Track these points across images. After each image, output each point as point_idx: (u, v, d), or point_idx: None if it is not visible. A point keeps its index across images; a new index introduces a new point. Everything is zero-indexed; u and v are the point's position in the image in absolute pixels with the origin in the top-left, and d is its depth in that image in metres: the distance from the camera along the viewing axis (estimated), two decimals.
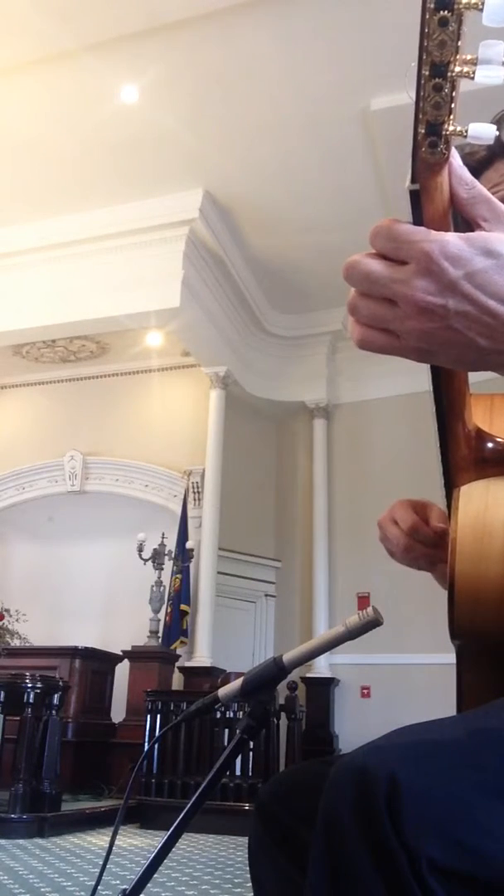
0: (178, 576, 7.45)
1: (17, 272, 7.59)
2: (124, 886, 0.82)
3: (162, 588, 7.58)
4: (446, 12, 0.48)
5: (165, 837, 0.82)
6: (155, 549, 7.68)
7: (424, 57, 0.50)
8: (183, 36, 5.48)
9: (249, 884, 0.91)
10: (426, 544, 0.89)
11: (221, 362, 8.24)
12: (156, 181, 6.92)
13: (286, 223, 7.34)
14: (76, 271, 7.42)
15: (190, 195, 7.04)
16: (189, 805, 0.84)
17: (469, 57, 0.50)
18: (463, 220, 0.58)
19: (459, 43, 0.49)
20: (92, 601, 8.40)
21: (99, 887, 0.99)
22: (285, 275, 8.12)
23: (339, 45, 5.45)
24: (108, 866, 1.00)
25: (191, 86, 5.91)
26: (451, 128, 0.52)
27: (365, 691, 7.85)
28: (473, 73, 0.50)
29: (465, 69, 0.50)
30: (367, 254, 0.57)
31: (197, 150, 6.54)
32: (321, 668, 7.85)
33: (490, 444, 0.78)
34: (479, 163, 0.93)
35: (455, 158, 0.56)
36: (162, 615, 7.43)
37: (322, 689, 7.83)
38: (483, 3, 0.47)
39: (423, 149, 0.53)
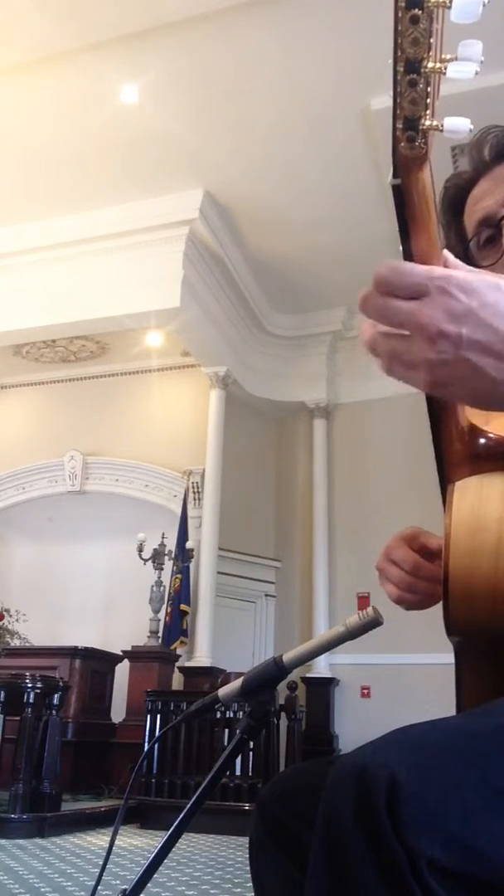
0: (178, 576, 7.45)
1: (17, 272, 7.60)
2: (124, 886, 0.82)
3: (162, 588, 7.58)
4: (417, 10, 0.49)
5: (165, 837, 0.82)
6: (155, 549, 7.68)
7: (399, 54, 0.51)
8: (183, 36, 5.47)
9: (249, 884, 0.91)
10: (429, 580, 0.88)
11: (221, 362, 8.24)
12: (156, 181, 6.92)
13: (286, 223, 7.33)
14: (76, 271, 7.42)
15: (190, 195, 7.03)
16: (189, 805, 0.84)
17: (449, 56, 0.51)
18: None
19: (432, 40, 0.50)
20: (92, 601, 8.40)
21: (99, 887, 0.99)
22: (285, 275, 8.12)
23: (340, 45, 5.45)
24: (108, 866, 1.00)
25: (191, 86, 5.91)
26: (428, 123, 0.53)
27: (365, 691, 7.85)
28: (446, 68, 0.51)
29: (438, 65, 0.51)
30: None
31: (197, 150, 6.54)
32: (321, 668, 7.85)
33: (483, 440, 0.78)
34: (467, 182, 0.97)
35: (450, 255, 0.61)
36: (162, 615, 7.43)
37: (322, 689, 7.83)
38: (451, 1, 0.48)
39: (402, 144, 0.54)
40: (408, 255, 0.62)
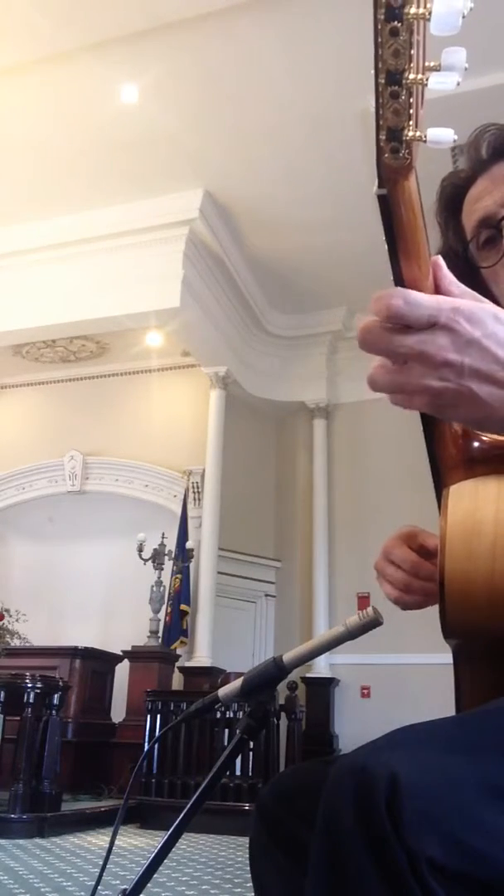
0: (178, 576, 7.45)
1: (17, 272, 7.59)
2: (124, 886, 0.82)
3: (162, 588, 7.58)
4: (396, 23, 0.49)
5: (165, 837, 0.82)
6: (155, 549, 7.68)
7: (380, 65, 0.51)
8: (183, 36, 5.47)
9: (249, 884, 0.91)
10: (428, 580, 0.89)
11: (221, 362, 8.24)
12: (156, 181, 6.92)
13: (286, 223, 7.33)
14: (76, 271, 7.42)
15: (190, 195, 7.03)
16: (189, 805, 0.84)
17: (432, 64, 0.51)
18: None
19: (413, 51, 0.50)
20: (92, 601, 8.40)
21: (99, 887, 0.99)
22: (285, 275, 8.12)
23: (340, 45, 5.44)
24: (108, 866, 1.00)
25: (191, 86, 5.91)
26: (412, 133, 0.53)
27: (365, 691, 7.85)
28: (428, 79, 0.51)
29: (420, 76, 0.51)
30: (373, 320, 0.59)
31: (197, 150, 6.53)
32: (321, 668, 7.84)
33: (476, 444, 0.78)
34: (464, 181, 0.97)
35: (441, 263, 0.62)
36: (162, 615, 7.43)
37: (322, 689, 7.83)
38: (430, 14, 0.48)
39: (386, 154, 0.54)
40: (396, 267, 0.62)
